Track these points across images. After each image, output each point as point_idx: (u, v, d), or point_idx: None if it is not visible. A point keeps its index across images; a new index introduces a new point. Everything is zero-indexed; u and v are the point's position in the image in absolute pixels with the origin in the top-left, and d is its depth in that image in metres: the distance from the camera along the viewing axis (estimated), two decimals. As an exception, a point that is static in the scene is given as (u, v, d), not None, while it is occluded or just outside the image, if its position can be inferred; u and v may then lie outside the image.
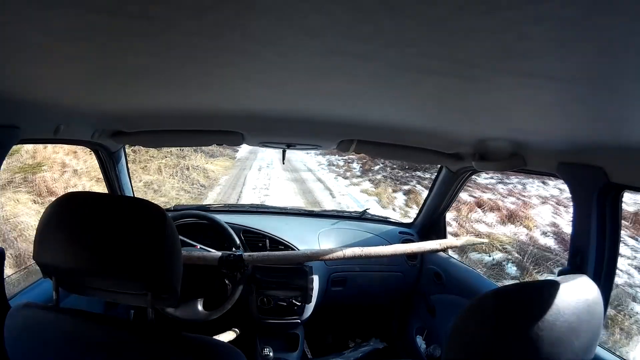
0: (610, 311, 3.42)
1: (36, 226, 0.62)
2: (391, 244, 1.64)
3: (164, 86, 0.67)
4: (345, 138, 1.18)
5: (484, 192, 7.70)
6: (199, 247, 1.47)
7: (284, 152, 1.46)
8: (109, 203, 0.62)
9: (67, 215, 0.60)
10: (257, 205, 2.30)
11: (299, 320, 1.61)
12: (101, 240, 0.57)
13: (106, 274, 0.59)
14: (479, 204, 6.86)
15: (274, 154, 12.65)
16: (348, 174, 10.95)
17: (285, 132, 1.16)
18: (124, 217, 0.58)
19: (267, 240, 1.66)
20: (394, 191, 8.36)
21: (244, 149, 14.06)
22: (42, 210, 0.62)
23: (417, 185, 8.68)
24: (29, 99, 0.73)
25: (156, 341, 0.58)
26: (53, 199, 0.64)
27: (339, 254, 1.43)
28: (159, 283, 0.60)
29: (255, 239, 1.65)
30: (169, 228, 0.60)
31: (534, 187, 8.38)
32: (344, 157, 13.15)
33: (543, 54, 0.37)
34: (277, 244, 1.65)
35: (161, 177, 8.01)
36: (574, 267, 0.90)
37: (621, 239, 0.91)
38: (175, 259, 0.61)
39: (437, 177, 1.70)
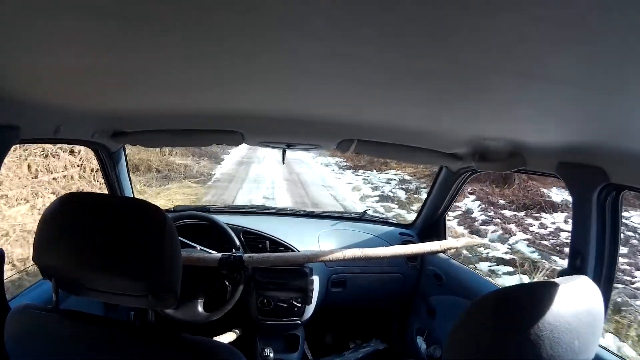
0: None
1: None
2: (391, 245, 1.64)
3: (164, 86, 0.67)
4: (345, 138, 1.18)
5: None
6: (198, 248, 1.46)
7: (284, 152, 1.46)
8: (109, 204, 0.61)
9: (66, 216, 0.60)
10: (257, 206, 2.30)
11: (299, 321, 1.61)
12: (101, 242, 0.57)
13: (106, 275, 0.59)
14: None
15: (277, 166, 8.28)
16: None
17: (285, 131, 1.16)
18: (124, 218, 0.58)
19: (267, 242, 1.66)
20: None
21: (230, 161, 9.66)
22: None
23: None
24: (29, 98, 0.73)
25: (156, 343, 0.58)
26: None
27: (339, 255, 1.43)
28: (159, 284, 0.60)
29: (255, 240, 1.65)
30: (169, 229, 0.59)
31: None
32: (403, 187, 7.10)
33: (543, 55, 0.37)
34: (277, 245, 1.65)
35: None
36: (574, 268, 0.90)
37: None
38: (175, 260, 0.61)
39: (436, 177, 1.70)
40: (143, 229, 0.58)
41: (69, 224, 0.59)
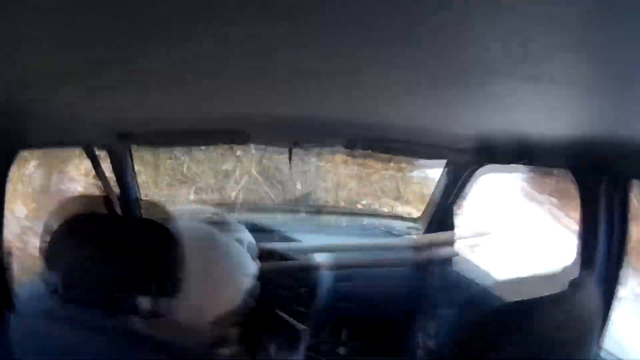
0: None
1: None
2: (396, 240, 1.64)
3: (168, 86, 0.67)
4: (350, 136, 1.18)
5: None
6: None
7: (290, 150, 1.46)
8: (116, 225, 0.63)
9: (72, 234, 0.61)
10: (262, 204, 2.30)
11: (301, 319, 1.61)
12: (107, 261, 0.59)
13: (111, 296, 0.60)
14: None
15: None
16: None
17: (290, 130, 1.16)
18: (131, 240, 0.60)
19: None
20: None
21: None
22: None
23: None
24: (30, 98, 0.73)
25: (156, 343, 0.59)
26: None
27: (343, 249, 1.43)
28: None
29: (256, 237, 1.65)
30: (178, 250, 0.61)
31: None
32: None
33: (547, 56, 0.36)
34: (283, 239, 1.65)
35: None
36: (582, 262, 0.89)
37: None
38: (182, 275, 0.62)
39: (442, 173, 1.69)
40: (151, 250, 0.59)
41: (74, 242, 0.60)
